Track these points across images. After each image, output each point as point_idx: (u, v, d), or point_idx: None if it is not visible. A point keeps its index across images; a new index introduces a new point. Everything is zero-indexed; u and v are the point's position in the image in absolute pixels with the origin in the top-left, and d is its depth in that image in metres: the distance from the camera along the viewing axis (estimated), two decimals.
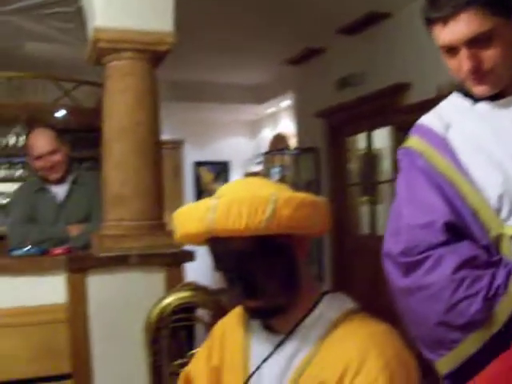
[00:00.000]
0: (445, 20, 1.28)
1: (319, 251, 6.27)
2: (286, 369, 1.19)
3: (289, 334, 1.21)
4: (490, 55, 1.29)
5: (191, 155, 8.75)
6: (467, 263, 1.28)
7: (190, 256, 2.56)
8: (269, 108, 8.23)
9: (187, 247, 2.45)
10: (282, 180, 7.12)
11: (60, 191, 3.03)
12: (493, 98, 1.37)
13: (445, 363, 1.32)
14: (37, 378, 2.39)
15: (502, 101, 1.37)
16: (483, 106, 1.39)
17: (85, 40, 2.76)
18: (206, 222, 1.11)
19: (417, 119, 1.53)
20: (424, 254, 1.32)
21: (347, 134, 6.06)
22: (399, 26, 4.82)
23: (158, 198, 2.63)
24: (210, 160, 8.85)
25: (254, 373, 1.24)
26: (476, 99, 1.40)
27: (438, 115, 1.47)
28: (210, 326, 1.48)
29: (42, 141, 2.97)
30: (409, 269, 1.34)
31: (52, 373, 2.41)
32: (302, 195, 1.16)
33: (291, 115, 7.46)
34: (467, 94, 1.42)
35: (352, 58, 5.60)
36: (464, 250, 1.30)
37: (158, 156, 2.64)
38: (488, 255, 1.30)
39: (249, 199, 1.10)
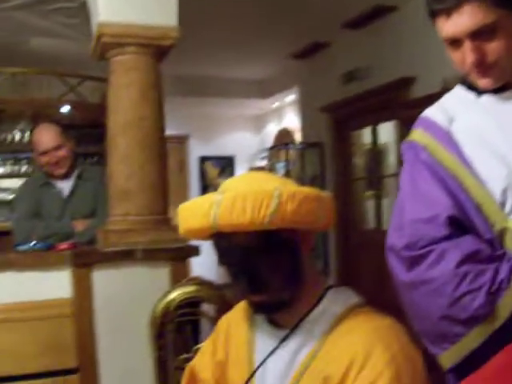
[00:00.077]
0: (448, 12, 1.27)
1: (325, 246, 6.27)
2: (290, 363, 1.19)
3: (293, 328, 1.21)
4: (493, 48, 1.28)
5: (196, 150, 8.76)
6: (470, 257, 1.27)
7: (195, 251, 2.56)
8: (274, 103, 8.22)
9: (192, 242, 2.45)
10: (287, 175, 7.11)
11: (65, 186, 3.04)
12: (497, 90, 1.36)
13: (448, 357, 1.32)
14: (43, 372, 2.39)
15: (506, 93, 1.36)
16: (487, 98, 1.38)
17: (89, 35, 2.76)
18: (210, 217, 1.11)
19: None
20: (427, 249, 1.31)
21: (352, 129, 6.05)
22: (404, 20, 4.80)
23: (163, 193, 2.63)
24: (214, 155, 8.85)
25: (258, 367, 1.24)
26: (480, 92, 1.39)
27: (441, 108, 1.46)
28: (215, 321, 1.48)
29: (46, 136, 2.98)
30: (412, 263, 1.34)
31: (58, 367, 2.41)
32: (306, 190, 1.16)
33: (296, 110, 7.45)
34: (471, 87, 1.41)
35: (357, 52, 5.58)
36: (467, 244, 1.29)
37: (162, 151, 2.64)
38: (491, 249, 1.29)
39: (253, 194, 1.10)
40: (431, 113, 1.47)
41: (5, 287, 2.41)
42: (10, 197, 5.59)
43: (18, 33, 5.40)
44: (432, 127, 1.44)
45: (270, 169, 7.74)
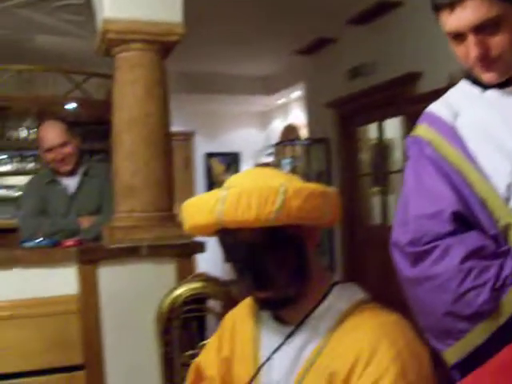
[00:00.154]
0: (451, 6, 1.26)
1: (330, 242, 6.27)
2: (296, 360, 1.19)
3: (299, 324, 1.21)
4: (497, 42, 1.26)
5: (202, 147, 8.76)
6: (475, 253, 1.26)
7: (200, 247, 2.56)
8: (279, 99, 8.21)
9: (198, 238, 2.45)
10: (293, 171, 7.11)
11: (71, 183, 3.04)
12: (502, 85, 1.35)
13: (452, 353, 1.31)
14: (50, 368, 2.40)
15: (511, 88, 1.35)
16: (492, 93, 1.37)
17: (94, 32, 2.75)
18: (215, 214, 1.10)
19: None
20: (431, 244, 1.31)
21: (358, 124, 6.04)
22: (410, 15, 4.78)
23: (169, 189, 2.63)
24: (220, 151, 8.85)
25: (264, 363, 1.24)
26: (485, 86, 1.38)
27: (446, 103, 1.45)
28: (221, 317, 1.48)
29: (52, 133, 2.98)
30: (416, 259, 1.33)
31: (65, 363, 2.42)
32: (311, 186, 1.16)
33: (302, 106, 7.44)
34: (476, 82, 1.40)
35: (363, 48, 5.57)
36: (472, 240, 1.28)
37: (168, 147, 2.64)
38: (496, 245, 1.29)
39: (258, 190, 1.09)
40: (436, 108, 1.47)
41: (11, 284, 2.42)
42: (16, 194, 5.62)
43: (23, 30, 5.41)
44: (436, 122, 1.43)
45: (276, 165, 7.74)
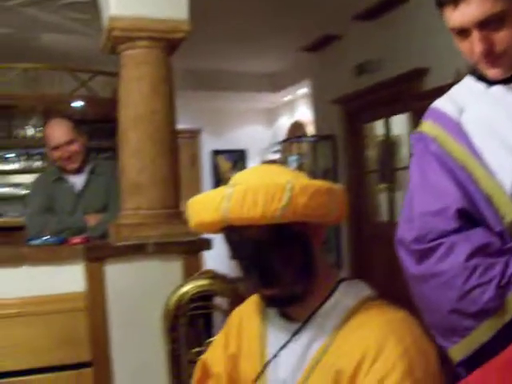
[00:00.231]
0: (455, 2, 1.25)
1: (337, 239, 6.26)
2: (302, 357, 1.18)
3: (305, 322, 1.20)
4: (502, 37, 1.25)
5: (208, 144, 8.77)
6: (480, 251, 1.26)
7: (207, 244, 2.56)
8: (285, 96, 8.21)
9: (204, 235, 2.45)
10: (300, 168, 7.10)
11: (78, 181, 3.04)
12: (507, 80, 1.34)
13: (458, 350, 1.31)
14: (58, 365, 2.41)
15: None
16: (497, 89, 1.36)
17: (100, 30, 2.76)
18: (221, 211, 1.10)
19: None
20: (436, 242, 1.30)
21: (365, 121, 6.02)
22: (416, 11, 4.76)
23: (175, 187, 2.63)
24: (227, 149, 8.86)
25: (270, 360, 1.24)
26: (490, 82, 1.37)
27: (451, 99, 1.44)
28: (227, 314, 1.48)
29: (58, 131, 2.99)
30: (422, 256, 1.33)
31: (72, 361, 2.43)
32: (318, 183, 1.15)
33: (308, 103, 7.42)
34: (481, 78, 1.39)
35: (369, 44, 5.55)
36: (477, 237, 1.28)
37: (174, 144, 2.64)
38: (501, 242, 1.28)
39: (264, 187, 1.09)
40: (441, 104, 1.46)
41: (19, 281, 2.43)
42: (23, 192, 5.64)
43: (29, 29, 5.42)
44: (441, 118, 1.42)
45: (283, 162, 7.73)
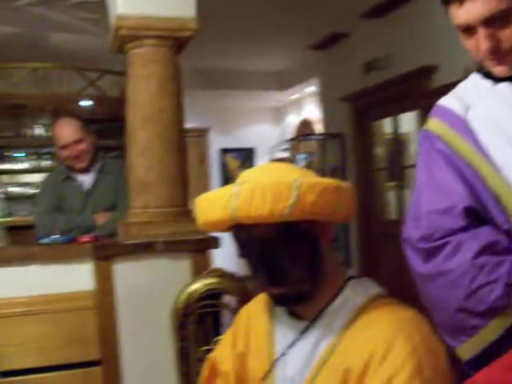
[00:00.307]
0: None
1: (346, 237, 6.25)
2: (310, 355, 1.18)
3: (313, 320, 1.20)
4: (508, 34, 1.24)
5: (217, 142, 8.78)
6: (487, 249, 1.25)
7: (215, 242, 2.56)
8: (293, 94, 8.19)
9: (213, 233, 2.45)
10: (308, 166, 7.09)
11: (86, 180, 3.05)
12: None
13: (466, 350, 1.30)
14: (67, 364, 2.41)
15: None
16: (504, 86, 1.35)
17: (109, 29, 2.76)
18: (229, 209, 1.10)
19: None
20: (443, 240, 1.30)
21: (373, 119, 6.01)
22: (425, 8, 4.73)
23: (183, 185, 2.63)
24: (235, 147, 8.86)
25: (278, 359, 1.24)
26: (496, 79, 1.36)
27: (457, 96, 1.43)
28: (236, 312, 1.47)
29: (67, 130, 2.99)
30: (428, 255, 1.32)
31: (82, 359, 2.43)
32: (326, 181, 1.14)
33: (316, 101, 7.41)
34: (487, 75, 1.38)
35: (377, 42, 5.53)
36: (484, 235, 1.27)
37: (182, 143, 2.64)
38: (509, 240, 1.27)
39: (272, 185, 1.09)
40: (447, 101, 1.45)
41: (28, 280, 2.44)
42: (33, 191, 5.66)
43: (38, 28, 5.44)
44: (448, 115, 1.41)
45: (291, 160, 7.72)
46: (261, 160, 8.84)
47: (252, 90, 7.95)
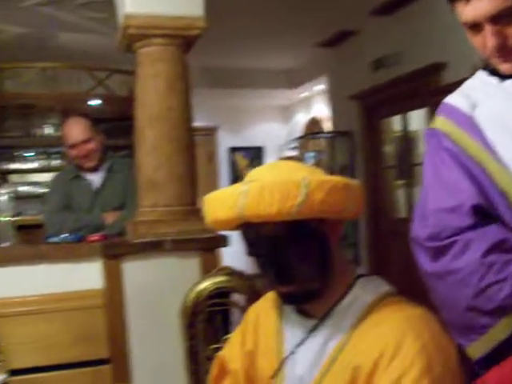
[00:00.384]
0: None
1: (355, 235, 6.23)
2: (319, 353, 1.18)
3: (322, 318, 1.20)
4: None
5: (226, 141, 8.79)
6: (496, 247, 1.24)
7: (224, 241, 2.56)
8: (302, 92, 8.18)
9: (221, 232, 2.45)
10: (317, 164, 7.08)
11: (95, 179, 3.06)
12: None
13: (476, 348, 1.29)
14: (76, 362, 2.43)
15: None
16: (510, 83, 1.34)
17: (117, 29, 2.76)
18: (237, 208, 1.09)
19: None
20: (451, 239, 1.29)
21: (382, 116, 5.98)
22: (433, 5, 4.71)
23: (192, 184, 2.63)
24: (244, 145, 8.86)
25: (287, 357, 1.23)
26: (503, 77, 1.35)
27: (463, 94, 1.42)
28: (245, 311, 1.47)
29: (76, 130, 3.00)
30: (437, 254, 1.31)
31: (91, 357, 2.44)
32: (334, 179, 1.14)
33: (325, 99, 7.40)
34: (493, 72, 1.37)
35: (386, 39, 5.51)
36: (492, 233, 1.26)
37: (190, 141, 2.64)
38: None
39: (280, 184, 1.08)
40: (453, 99, 1.44)
41: (38, 279, 2.45)
42: (42, 190, 5.69)
43: (47, 28, 5.46)
44: (454, 113, 1.40)
45: (300, 159, 7.71)
46: (269, 158, 8.84)
47: (261, 88, 7.94)
